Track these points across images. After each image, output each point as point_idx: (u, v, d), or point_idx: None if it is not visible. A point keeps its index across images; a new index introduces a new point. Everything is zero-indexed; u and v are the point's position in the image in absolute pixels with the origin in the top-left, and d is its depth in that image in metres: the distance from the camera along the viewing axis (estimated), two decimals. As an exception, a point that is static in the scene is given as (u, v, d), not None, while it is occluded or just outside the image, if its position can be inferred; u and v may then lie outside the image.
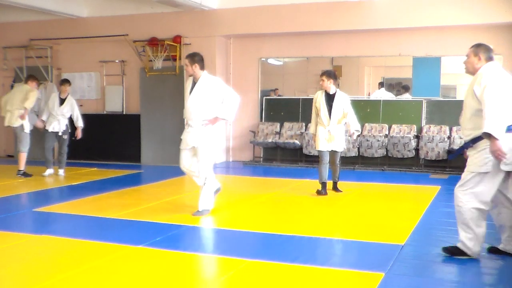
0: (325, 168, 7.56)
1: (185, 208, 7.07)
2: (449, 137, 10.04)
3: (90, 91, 12.48)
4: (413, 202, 7.28)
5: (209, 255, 4.69)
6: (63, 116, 9.65)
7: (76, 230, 5.72)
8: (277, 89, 12.23)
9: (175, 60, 11.34)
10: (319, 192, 7.56)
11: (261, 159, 11.44)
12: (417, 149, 10.16)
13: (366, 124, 10.73)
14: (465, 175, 4.47)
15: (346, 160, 10.68)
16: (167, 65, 11.44)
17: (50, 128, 9.65)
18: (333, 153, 7.65)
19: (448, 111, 10.35)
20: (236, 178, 10.06)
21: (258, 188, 8.70)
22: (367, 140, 10.39)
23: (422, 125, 10.44)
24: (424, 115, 10.48)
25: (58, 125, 9.65)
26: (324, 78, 7.49)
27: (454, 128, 10.15)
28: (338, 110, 7.54)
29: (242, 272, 4.29)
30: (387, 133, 10.47)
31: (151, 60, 11.45)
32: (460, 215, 4.49)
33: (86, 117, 12.42)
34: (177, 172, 10.44)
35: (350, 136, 8.04)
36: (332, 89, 7.54)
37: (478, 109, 4.31)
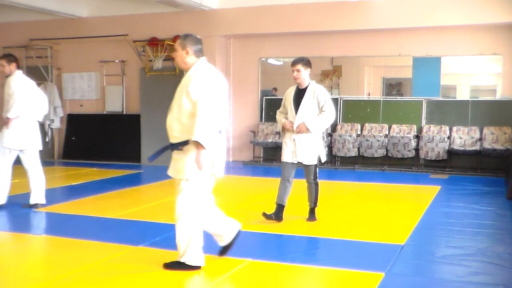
0: (284, 186, 5.92)
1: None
2: (449, 137, 10.04)
3: (90, 91, 12.48)
4: (413, 202, 7.27)
5: (209, 255, 4.68)
6: None
7: (76, 230, 5.72)
8: (275, 88, 12.23)
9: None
10: (267, 216, 5.85)
11: (261, 159, 11.44)
12: (417, 149, 10.16)
13: (366, 124, 10.74)
14: (181, 184, 4.18)
15: (346, 160, 10.70)
16: (167, 65, 11.44)
17: None
18: (303, 167, 5.95)
19: (448, 111, 10.36)
20: (236, 178, 10.05)
21: (258, 188, 8.70)
22: (367, 140, 10.39)
23: (422, 125, 10.44)
24: (424, 115, 10.48)
25: None
26: (300, 67, 5.68)
27: (454, 128, 10.16)
28: (308, 108, 5.73)
29: (242, 272, 4.29)
30: (387, 133, 10.47)
31: (151, 60, 11.45)
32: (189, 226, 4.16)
33: (86, 117, 12.50)
34: (177, 172, 10.47)
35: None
36: (306, 82, 5.79)
37: (192, 112, 4.02)
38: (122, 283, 4.05)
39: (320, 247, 5.12)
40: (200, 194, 4.21)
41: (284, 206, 5.94)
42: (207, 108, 3.94)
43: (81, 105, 12.61)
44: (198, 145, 3.97)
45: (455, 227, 5.76)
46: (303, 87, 5.77)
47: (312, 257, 4.69)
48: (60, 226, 5.94)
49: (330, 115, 5.71)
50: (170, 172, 4.32)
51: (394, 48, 10.71)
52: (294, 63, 5.71)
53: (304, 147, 5.76)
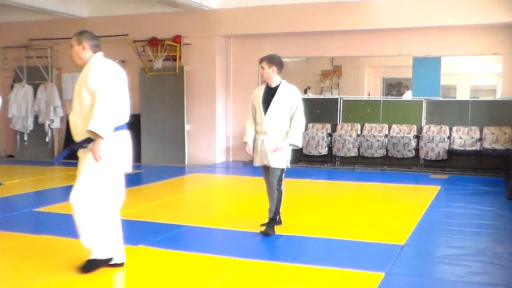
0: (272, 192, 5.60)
1: (185, 208, 7.07)
2: (449, 137, 10.04)
3: (90, 91, 12.47)
4: (413, 202, 7.28)
5: (209, 255, 4.68)
6: None
7: (76, 230, 5.71)
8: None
9: (175, 60, 11.34)
10: (263, 225, 5.57)
11: (261, 159, 11.42)
12: (417, 149, 10.16)
13: (366, 124, 10.74)
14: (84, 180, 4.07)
15: (346, 160, 10.69)
16: (167, 65, 11.44)
17: None
18: (266, 170, 5.55)
19: (448, 111, 10.36)
20: (236, 178, 10.06)
21: (258, 188, 8.68)
22: (367, 140, 10.39)
23: (422, 125, 10.44)
24: (424, 115, 10.48)
25: None
26: (264, 64, 5.42)
27: (454, 128, 10.16)
28: (279, 109, 5.39)
29: (242, 272, 4.29)
30: (387, 133, 10.47)
31: (151, 60, 11.45)
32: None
33: (86, 117, 12.49)
34: (177, 172, 10.48)
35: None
36: (275, 81, 5.47)
37: (93, 105, 3.95)
38: (122, 283, 4.05)
39: (320, 247, 5.11)
40: (96, 186, 4.10)
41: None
42: (105, 97, 3.92)
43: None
44: (95, 134, 3.92)
45: (455, 227, 5.76)
46: (273, 86, 5.46)
47: (312, 257, 4.69)
48: (60, 226, 5.94)
49: (302, 123, 5.42)
50: (78, 172, 4.20)
51: (394, 48, 10.71)
52: (260, 60, 5.49)
53: (271, 149, 5.38)
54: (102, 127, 3.88)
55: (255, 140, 5.61)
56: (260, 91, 5.56)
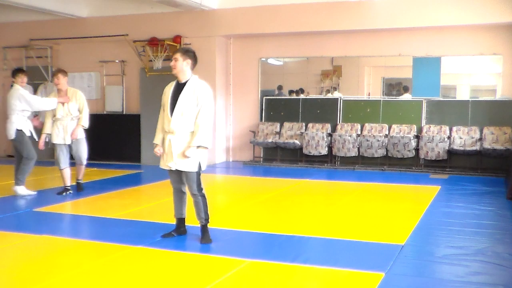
0: (177, 197, 5.30)
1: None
2: (449, 137, 10.04)
3: (90, 91, 12.48)
4: (413, 202, 7.28)
5: (209, 255, 4.68)
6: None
7: (76, 230, 5.72)
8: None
9: (175, 60, 11.33)
10: (167, 235, 5.30)
11: (261, 159, 11.44)
12: (417, 149, 10.16)
13: (366, 124, 10.74)
14: None
15: (346, 160, 10.69)
16: (167, 65, 11.41)
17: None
18: (181, 175, 5.14)
19: (448, 111, 10.36)
20: (236, 178, 10.06)
21: (258, 188, 8.70)
22: (367, 140, 10.39)
23: (422, 125, 10.44)
24: (424, 115, 10.48)
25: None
26: (178, 56, 4.99)
27: (454, 128, 10.16)
28: (186, 106, 4.95)
29: (242, 272, 4.29)
30: (387, 133, 10.47)
31: (151, 60, 11.45)
32: None
33: (86, 117, 12.49)
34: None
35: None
36: (186, 75, 5.03)
37: None
38: (122, 283, 4.05)
39: (320, 247, 5.11)
40: None
41: (184, 219, 5.36)
42: None
43: (81, 105, 12.59)
44: None
45: (455, 227, 5.76)
46: (182, 81, 5.02)
47: (312, 257, 4.69)
48: (60, 226, 5.94)
49: (207, 122, 4.93)
50: None
51: (394, 48, 10.71)
52: (174, 51, 5.14)
53: (180, 151, 4.95)
54: None
55: (164, 140, 5.12)
56: (170, 87, 5.13)
